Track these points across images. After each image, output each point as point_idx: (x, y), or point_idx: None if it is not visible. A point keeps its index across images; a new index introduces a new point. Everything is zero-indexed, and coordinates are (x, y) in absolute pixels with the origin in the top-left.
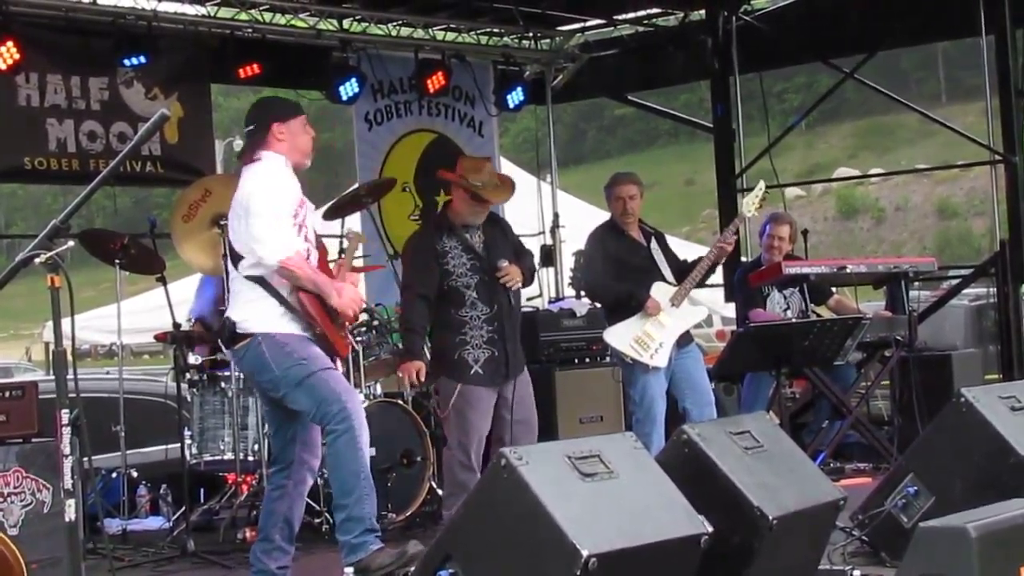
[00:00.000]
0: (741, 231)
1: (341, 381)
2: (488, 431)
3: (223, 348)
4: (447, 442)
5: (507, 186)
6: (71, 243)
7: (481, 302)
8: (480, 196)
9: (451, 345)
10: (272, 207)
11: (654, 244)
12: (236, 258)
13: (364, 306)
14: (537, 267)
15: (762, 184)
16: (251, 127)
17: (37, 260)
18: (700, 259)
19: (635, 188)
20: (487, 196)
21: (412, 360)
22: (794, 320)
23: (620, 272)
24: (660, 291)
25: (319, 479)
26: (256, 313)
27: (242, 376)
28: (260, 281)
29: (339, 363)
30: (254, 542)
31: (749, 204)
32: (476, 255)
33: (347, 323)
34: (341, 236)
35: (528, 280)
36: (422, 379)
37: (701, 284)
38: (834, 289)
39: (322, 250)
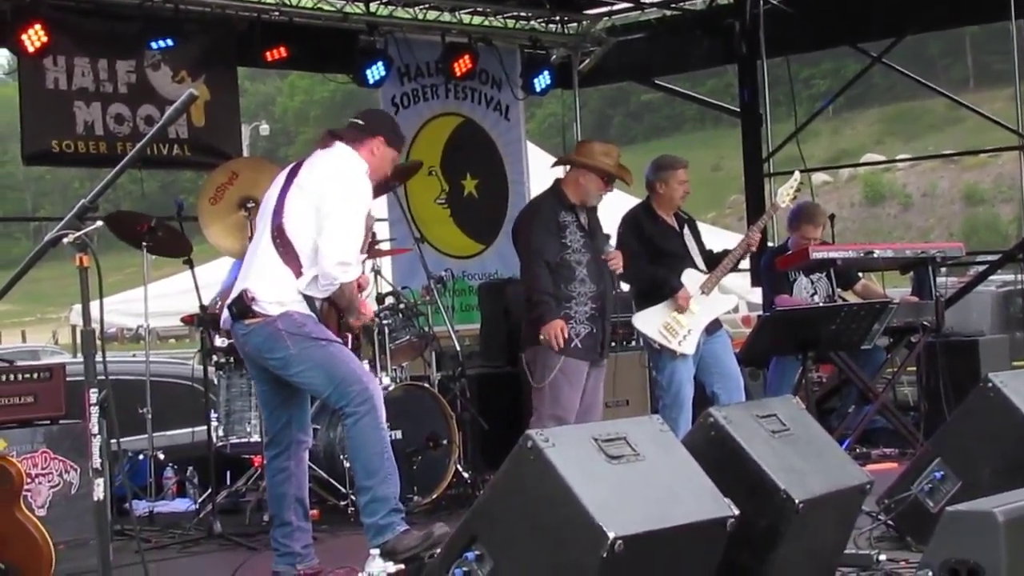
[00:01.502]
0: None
1: (357, 361)
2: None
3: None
4: (536, 413)
5: (629, 172)
6: (99, 223)
7: (590, 279)
8: (613, 177)
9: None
10: (356, 221)
11: (687, 230)
12: (279, 231)
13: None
14: None
15: (797, 175)
16: (360, 123)
17: (66, 240)
18: (727, 252)
19: (687, 173)
20: (622, 176)
21: (554, 320)
22: (820, 304)
23: (654, 256)
24: (690, 279)
25: (345, 462)
26: (278, 293)
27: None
28: (294, 265)
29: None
30: (271, 529)
31: (784, 195)
32: (587, 234)
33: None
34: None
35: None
36: (565, 334)
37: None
38: (860, 274)
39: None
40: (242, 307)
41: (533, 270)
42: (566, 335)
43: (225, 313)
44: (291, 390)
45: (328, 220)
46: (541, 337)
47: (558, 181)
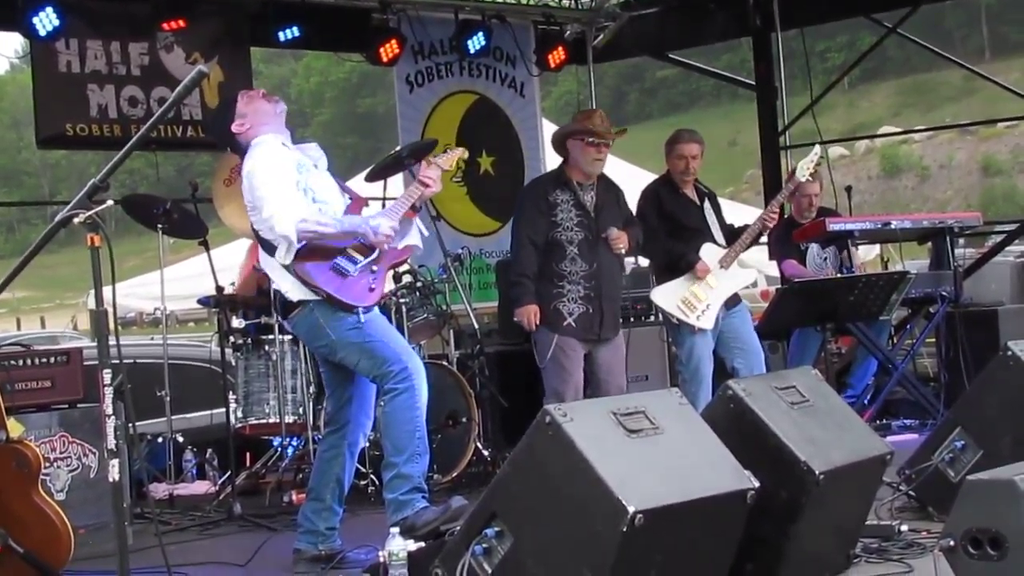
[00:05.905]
0: None
1: (398, 339)
2: (583, 386)
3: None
4: (545, 392)
5: (613, 132)
6: (110, 202)
7: (582, 258)
8: (597, 136)
9: (548, 296)
10: (270, 185)
11: (707, 204)
12: (260, 237)
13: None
14: None
15: (817, 149)
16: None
17: (76, 220)
18: (747, 227)
19: (697, 148)
20: (604, 133)
21: (528, 304)
22: (839, 275)
23: (673, 230)
24: (709, 253)
25: (367, 441)
26: (290, 282)
27: (286, 339)
28: (271, 253)
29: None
30: (303, 503)
31: (803, 169)
32: (586, 212)
33: (385, 261)
34: (383, 199)
35: (633, 249)
36: (537, 320)
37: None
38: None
39: (356, 200)
40: (281, 304)
41: (516, 250)
42: (537, 320)
43: None
44: (349, 371)
45: (255, 201)
46: (515, 318)
47: (563, 160)
